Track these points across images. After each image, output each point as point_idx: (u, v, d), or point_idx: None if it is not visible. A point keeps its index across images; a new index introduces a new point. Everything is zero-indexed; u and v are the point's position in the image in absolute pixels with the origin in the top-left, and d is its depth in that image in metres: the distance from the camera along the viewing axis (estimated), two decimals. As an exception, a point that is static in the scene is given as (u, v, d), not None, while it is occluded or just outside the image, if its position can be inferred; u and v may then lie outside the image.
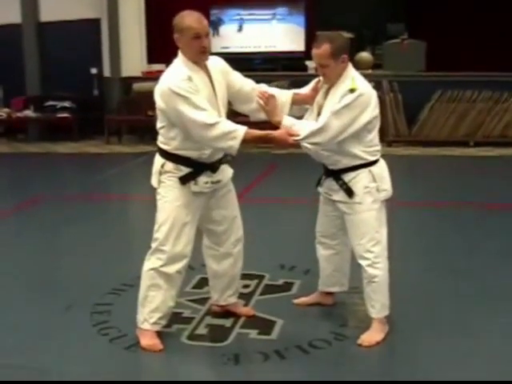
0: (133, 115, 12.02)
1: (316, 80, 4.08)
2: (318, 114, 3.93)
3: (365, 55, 12.17)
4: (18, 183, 9.24)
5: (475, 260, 5.43)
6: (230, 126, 3.62)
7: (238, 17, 13.07)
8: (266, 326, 4.14)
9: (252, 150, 11.24)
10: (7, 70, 12.98)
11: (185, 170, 3.79)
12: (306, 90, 4.12)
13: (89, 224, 6.73)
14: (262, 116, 4.05)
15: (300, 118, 4.04)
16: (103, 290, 4.74)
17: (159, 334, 3.93)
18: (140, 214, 7.28)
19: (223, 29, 13.11)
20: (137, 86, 12.24)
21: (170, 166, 3.81)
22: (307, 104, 4.07)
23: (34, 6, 13.22)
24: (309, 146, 3.79)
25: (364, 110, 3.78)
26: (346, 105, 3.73)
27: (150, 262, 3.86)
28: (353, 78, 3.85)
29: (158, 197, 3.88)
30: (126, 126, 12.87)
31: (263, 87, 4.05)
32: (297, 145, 3.78)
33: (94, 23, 13.15)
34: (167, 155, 3.82)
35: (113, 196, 8.30)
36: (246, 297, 4.57)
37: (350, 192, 3.88)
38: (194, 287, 4.77)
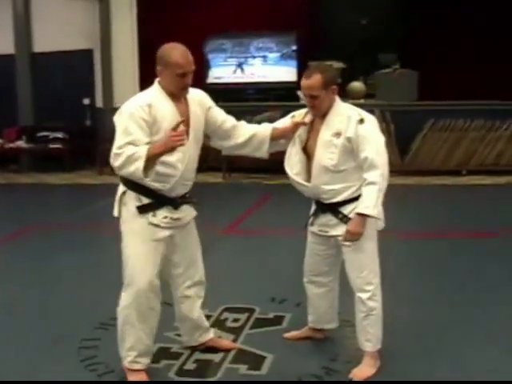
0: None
1: (299, 114, 4.01)
2: (303, 148, 3.91)
3: (357, 85, 12.19)
4: (9, 213, 9.19)
5: (468, 289, 5.38)
6: (132, 149, 3.51)
7: (231, 61, 13.18)
8: (255, 361, 4.07)
9: (244, 181, 11.26)
10: (0, 100, 12.99)
11: (145, 201, 3.71)
12: (284, 124, 4.03)
13: (79, 255, 6.66)
14: (238, 152, 4.05)
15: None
16: (91, 324, 4.67)
17: (146, 370, 3.85)
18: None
19: (216, 62, 13.20)
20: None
21: (131, 195, 3.73)
22: (287, 138, 3.99)
23: (28, 37, 13.32)
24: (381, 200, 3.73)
25: (379, 131, 3.81)
26: (373, 137, 3.72)
27: (123, 300, 3.79)
28: (351, 108, 3.84)
29: (122, 230, 3.80)
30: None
31: (243, 124, 4.02)
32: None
33: (87, 54, 13.24)
34: (129, 184, 3.71)
35: (104, 226, 8.23)
36: (235, 331, 4.52)
37: None
38: (183, 321, 4.70)
